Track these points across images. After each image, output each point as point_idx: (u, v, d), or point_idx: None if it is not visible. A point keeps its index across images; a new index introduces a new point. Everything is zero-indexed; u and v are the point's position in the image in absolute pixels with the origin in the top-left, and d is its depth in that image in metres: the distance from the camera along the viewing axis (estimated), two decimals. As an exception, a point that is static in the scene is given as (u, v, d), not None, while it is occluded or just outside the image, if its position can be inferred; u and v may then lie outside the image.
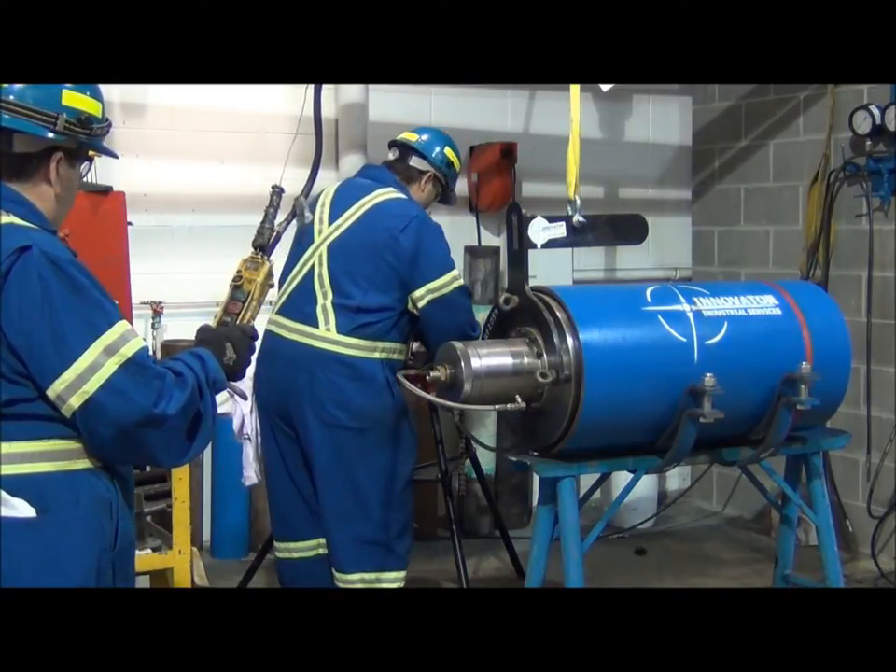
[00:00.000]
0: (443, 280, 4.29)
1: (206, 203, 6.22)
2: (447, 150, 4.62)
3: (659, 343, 3.87)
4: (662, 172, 7.49)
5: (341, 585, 4.30)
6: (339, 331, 4.19)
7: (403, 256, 4.22)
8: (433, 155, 4.56)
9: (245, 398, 2.84)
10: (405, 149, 4.57)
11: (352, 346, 4.20)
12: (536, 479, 4.79)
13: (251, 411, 4.83)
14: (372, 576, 4.29)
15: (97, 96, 2.48)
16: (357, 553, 4.29)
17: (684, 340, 3.88)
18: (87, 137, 2.45)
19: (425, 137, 4.62)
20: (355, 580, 4.28)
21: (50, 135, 2.38)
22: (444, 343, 3.96)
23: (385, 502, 4.27)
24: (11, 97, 2.34)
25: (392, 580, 4.32)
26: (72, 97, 2.41)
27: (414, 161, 4.55)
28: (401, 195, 4.43)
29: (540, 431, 3.92)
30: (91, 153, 2.53)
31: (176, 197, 6.17)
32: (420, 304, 4.26)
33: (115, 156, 2.62)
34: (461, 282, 4.39)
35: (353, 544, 4.28)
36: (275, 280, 2.78)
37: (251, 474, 4.99)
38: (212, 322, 2.63)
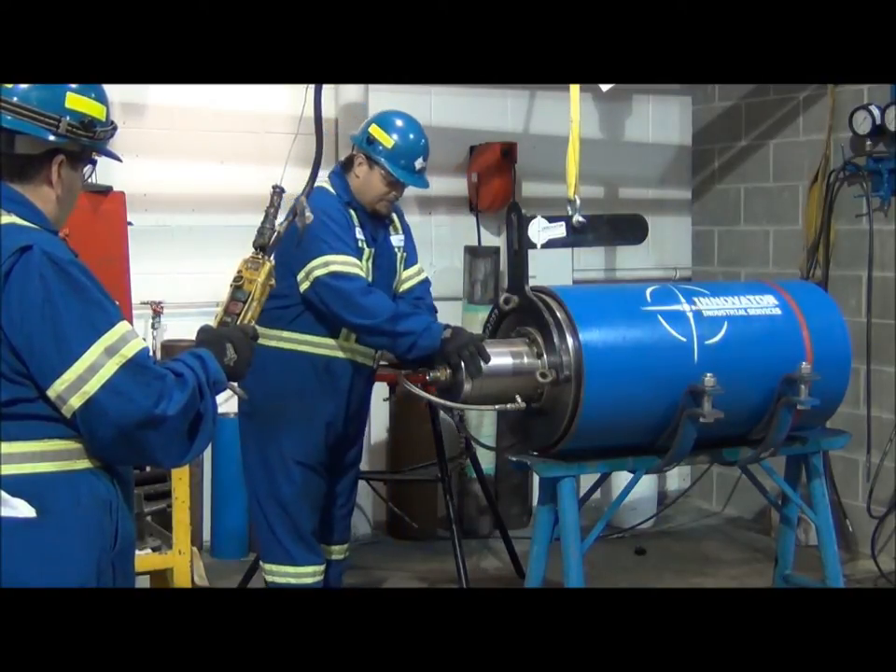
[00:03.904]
0: (314, 264, 4.14)
1: (206, 203, 6.22)
2: (372, 127, 4.35)
3: (659, 343, 3.87)
4: (662, 172, 7.49)
5: None
6: None
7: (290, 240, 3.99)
8: (356, 135, 4.41)
9: (245, 398, 2.83)
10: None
11: None
12: (536, 479, 4.80)
13: None
14: (268, 566, 4.38)
15: (102, 99, 2.47)
16: (259, 541, 4.45)
17: (684, 340, 3.89)
18: (90, 140, 2.44)
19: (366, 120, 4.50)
20: (264, 568, 4.41)
21: (52, 138, 2.37)
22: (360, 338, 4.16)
23: (266, 492, 4.33)
24: (15, 98, 2.34)
25: (281, 573, 4.34)
26: (75, 100, 2.40)
27: (353, 148, 4.44)
28: (324, 187, 4.34)
29: (540, 431, 3.92)
30: (94, 156, 2.52)
31: (176, 197, 6.17)
32: (301, 289, 4.20)
33: (118, 159, 2.61)
34: (339, 268, 4.15)
35: (255, 530, 4.50)
36: (275, 280, 2.77)
37: None
38: (212, 322, 2.63)
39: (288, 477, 4.31)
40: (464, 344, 3.87)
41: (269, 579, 4.39)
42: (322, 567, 4.41)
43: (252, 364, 2.58)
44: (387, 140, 4.31)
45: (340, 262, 4.14)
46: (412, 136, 4.36)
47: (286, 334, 4.28)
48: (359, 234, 4.32)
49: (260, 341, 4.18)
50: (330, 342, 4.30)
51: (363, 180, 4.35)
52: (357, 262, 4.21)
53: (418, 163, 4.36)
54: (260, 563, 4.45)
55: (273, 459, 4.32)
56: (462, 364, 3.85)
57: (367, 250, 4.34)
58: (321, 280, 4.13)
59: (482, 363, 3.83)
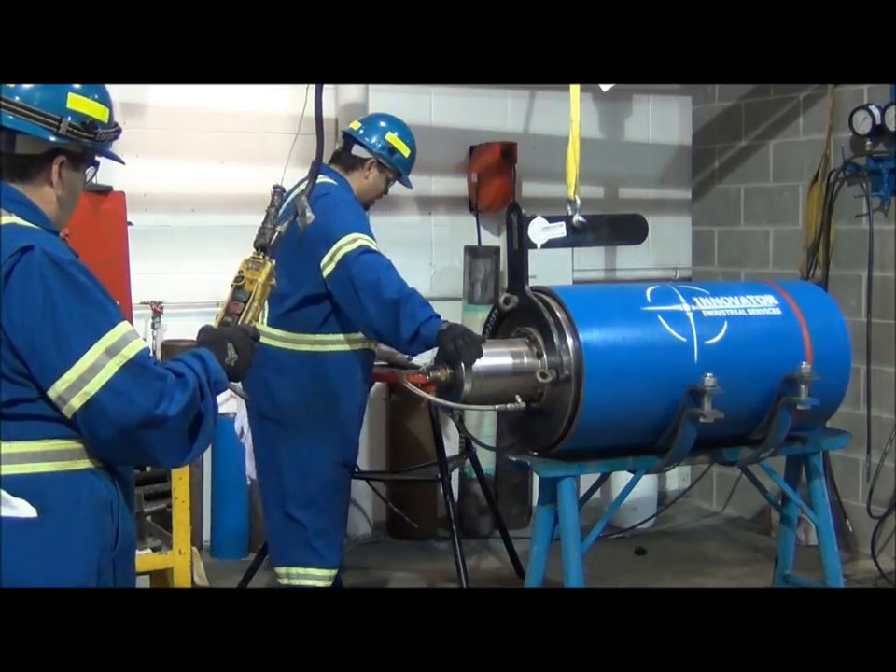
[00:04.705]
0: (342, 241, 4.12)
1: (206, 203, 6.22)
2: (389, 136, 4.52)
3: (659, 343, 3.87)
4: (662, 172, 7.49)
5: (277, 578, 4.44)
6: (267, 322, 4.20)
7: (307, 234, 3.67)
8: (371, 142, 4.50)
9: (246, 398, 2.84)
10: (348, 138, 4.56)
11: (275, 338, 4.22)
12: (536, 479, 4.80)
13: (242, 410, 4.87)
14: (294, 569, 4.36)
15: (104, 101, 2.47)
16: (279, 545, 4.42)
17: (684, 340, 3.89)
18: (91, 142, 2.44)
19: (366, 124, 4.59)
20: (281, 573, 4.40)
21: (53, 138, 2.37)
22: (366, 315, 4.03)
23: (301, 497, 4.30)
24: (16, 98, 2.34)
25: (316, 577, 4.34)
26: (77, 101, 2.40)
27: (356, 150, 4.51)
28: (327, 181, 4.35)
29: (540, 431, 3.92)
30: (96, 157, 2.52)
31: (176, 197, 6.17)
32: (324, 274, 4.15)
33: (120, 161, 2.61)
34: (367, 243, 4.15)
35: (275, 535, 4.43)
36: (275, 281, 2.77)
37: (249, 470, 5.03)
38: (213, 322, 2.63)
39: (332, 479, 4.32)
40: (459, 334, 3.88)
41: (294, 582, 4.35)
42: (339, 567, 4.46)
43: (252, 364, 2.58)
44: (406, 150, 4.56)
45: (366, 239, 4.16)
46: (415, 146, 4.62)
47: (319, 337, 4.27)
48: None
49: (290, 346, 4.24)
50: (357, 336, 4.29)
51: (372, 183, 4.51)
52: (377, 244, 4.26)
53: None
54: (279, 569, 4.41)
55: (312, 463, 4.28)
56: (458, 353, 3.82)
57: None
58: (350, 255, 4.09)
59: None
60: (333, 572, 4.37)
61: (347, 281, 4.10)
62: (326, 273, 4.13)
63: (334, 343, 4.28)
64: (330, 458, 4.30)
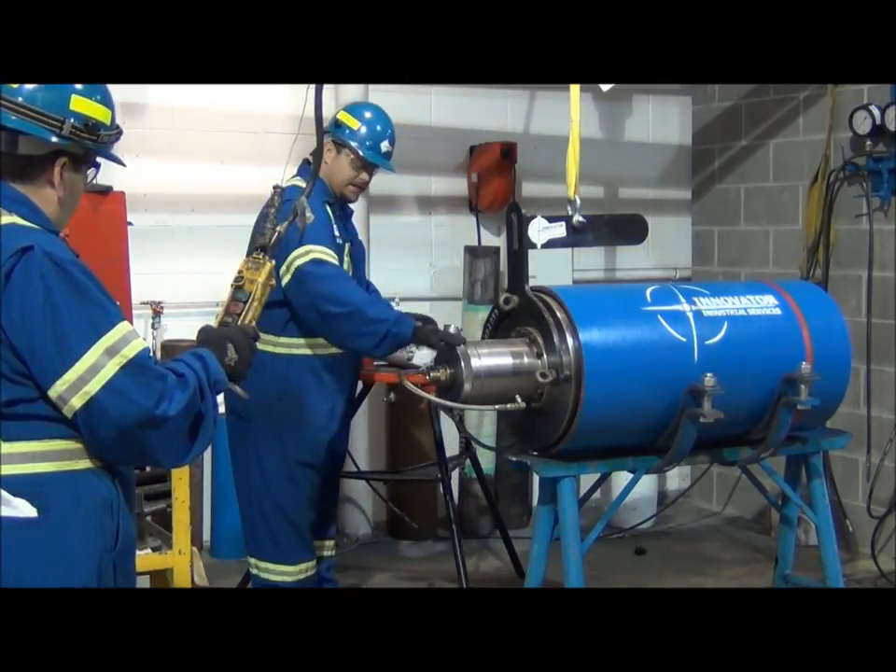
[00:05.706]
0: (295, 254, 4.17)
1: (206, 202, 6.22)
2: (340, 113, 4.57)
3: (659, 343, 3.87)
4: (662, 172, 7.49)
5: None
6: None
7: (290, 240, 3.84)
8: (326, 125, 4.53)
9: (246, 398, 2.84)
10: None
11: None
12: (536, 479, 4.79)
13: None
14: (262, 563, 4.44)
15: (107, 103, 2.47)
16: (248, 536, 4.52)
17: (684, 340, 3.88)
18: (93, 143, 2.44)
19: None
20: (251, 563, 4.50)
21: (55, 140, 2.38)
22: (324, 325, 4.19)
23: (265, 493, 4.37)
24: (20, 98, 2.34)
25: (277, 572, 4.41)
26: (80, 102, 2.40)
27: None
28: (298, 184, 4.33)
29: (540, 431, 3.92)
30: (97, 159, 2.52)
31: (176, 197, 6.17)
32: (283, 283, 4.20)
33: (122, 164, 2.61)
34: (319, 255, 4.21)
35: (246, 524, 4.52)
36: (275, 281, 2.77)
37: None
38: (213, 322, 2.63)
39: (289, 478, 4.37)
40: (439, 327, 3.95)
41: (263, 576, 4.43)
42: (314, 563, 4.50)
43: (252, 364, 2.58)
44: (354, 123, 4.52)
45: (319, 251, 4.22)
46: (377, 120, 4.58)
47: (283, 339, 4.33)
48: (336, 231, 4.41)
49: None
50: (322, 341, 4.36)
51: (331, 165, 4.50)
52: (335, 255, 4.29)
53: (384, 146, 4.56)
54: (250, 559, 4.50)
55: (272, 461, 4.36)
56: (443, 342, 3.86)
57: (346, 245, 4.46)
58: (302, 268, 4.18)
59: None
60: (302, 567, 4.42)
61: (303, 293, 4.20)
62: (283, 282, 4.21)
63: (297, 346, 4.35)
64: (291, 458, 4.36)
